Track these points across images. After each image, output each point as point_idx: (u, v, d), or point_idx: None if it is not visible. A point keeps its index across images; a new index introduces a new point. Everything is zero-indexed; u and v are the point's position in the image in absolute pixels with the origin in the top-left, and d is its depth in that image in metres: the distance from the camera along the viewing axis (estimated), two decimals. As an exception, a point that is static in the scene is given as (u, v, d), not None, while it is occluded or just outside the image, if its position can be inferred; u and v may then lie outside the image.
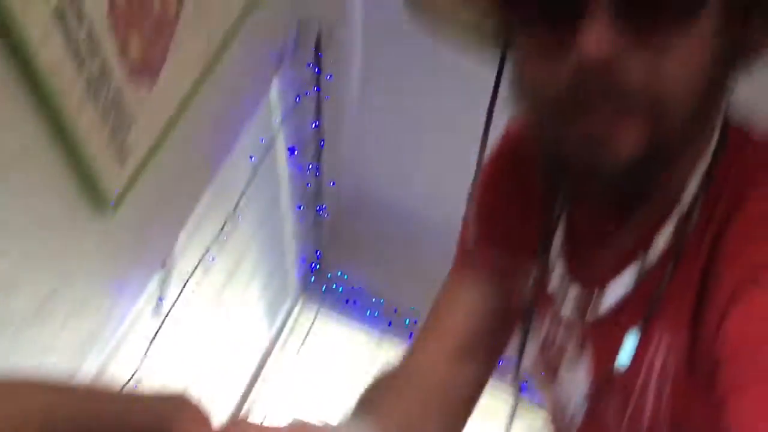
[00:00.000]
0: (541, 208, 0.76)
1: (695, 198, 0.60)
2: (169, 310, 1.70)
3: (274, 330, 3.11)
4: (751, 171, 0.60)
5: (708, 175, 0.60)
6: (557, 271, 0.71)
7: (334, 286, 3.12)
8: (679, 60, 0.51)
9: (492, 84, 0.67)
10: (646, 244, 0.60)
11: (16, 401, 0.45)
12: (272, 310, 3.00)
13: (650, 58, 0.51)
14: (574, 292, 0.68)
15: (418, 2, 0.66)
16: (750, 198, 0.57)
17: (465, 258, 0.86)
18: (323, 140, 2.33)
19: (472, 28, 0.70)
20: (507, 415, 0.86)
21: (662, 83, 0.51)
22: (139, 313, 1.60)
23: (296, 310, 3.19)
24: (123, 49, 1.07)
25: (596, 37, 0.49)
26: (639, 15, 0.50)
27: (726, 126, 0.62)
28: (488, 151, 0.78)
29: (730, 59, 0.56)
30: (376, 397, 0.75)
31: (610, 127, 0.53)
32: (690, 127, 0.55)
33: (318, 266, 3.04)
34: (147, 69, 1.16)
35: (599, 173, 0.55)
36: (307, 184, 2.52)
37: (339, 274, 3.13)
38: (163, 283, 1.63)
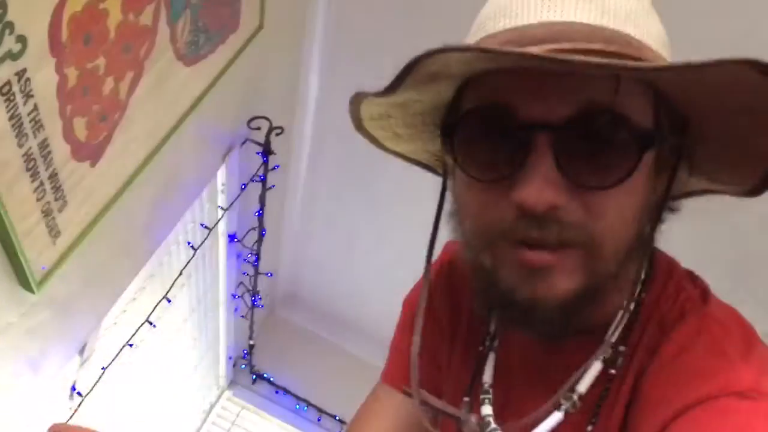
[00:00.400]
0: (472, 334, 0.77)
1: (620, 338, 0.62)
2: (83, 399, 1.62)
3: (198, 419, 2.99)
4: (674, 307, 0.62)
5: (634, 310, 0.62)
6: (485, 409, 0.71)
7: (264, 376, 3.05)
8: (615, 206, 0.54)
9: (436, 195, 0.69)
10: (571, 387, 0.61)
11: None
12: (198, 398, 2.89)
13: (588, 204, 0.53)
14: None
15: (364, 132, 0.68)
16: (669, 338, 0.60)
17: (392, 372, 0.86)
18: (265, 230, 2.32)
19: (415, 155, 0.73)
20: None
21: (599, 227, 0.54)
22: (54, 398, 1.52)
23: (223, 399, 3.08)
24: (67, 129, 1.07)
25: (538, 187, 0.52)
26: (579, 167, 0.53)
27: (652, 259, 0.65)
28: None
29: (660, 203, 0.60)
30: None
31: (549, 265, 0.55)
32: (623, 266, 0.58)
33: (249, 356, 2.97)
34: (90, 149, 1.15)
35: (535, 307, 0.56)
36: (244, 273, 2.49)
37: (269, 365, 3.06)
38: (80, 369, 1.56)
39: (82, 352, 1.54)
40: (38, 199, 1.07)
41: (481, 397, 0.71)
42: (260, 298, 2.61)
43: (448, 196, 0.67)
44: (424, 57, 0.49)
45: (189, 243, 1.96)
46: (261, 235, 2.33)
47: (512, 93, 0.53)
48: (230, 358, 2.91)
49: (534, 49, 0.51)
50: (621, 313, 0.61)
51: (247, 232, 2.29)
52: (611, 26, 0.52)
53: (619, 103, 0.52)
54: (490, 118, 0.55)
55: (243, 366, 3.02)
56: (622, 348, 0.62)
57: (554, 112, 0.52)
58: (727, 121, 0.55)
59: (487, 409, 0.69)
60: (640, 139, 0.53)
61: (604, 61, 0.47)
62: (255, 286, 2.55)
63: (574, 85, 0.51)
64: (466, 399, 0.74)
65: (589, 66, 0.46)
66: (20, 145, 0.98)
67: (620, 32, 0.52)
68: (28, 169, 1.02)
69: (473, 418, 0.69)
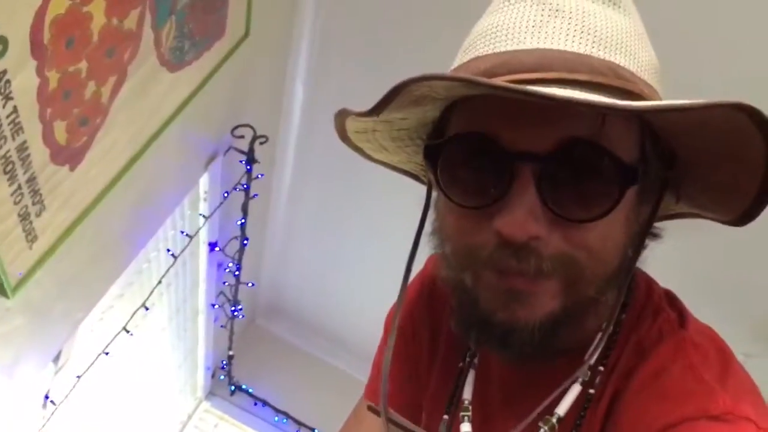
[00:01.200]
0: (452, 350, 0.76)
1: (598, 360, 0.61)
2: (56, 408, 1.59)
3: (175, 430, 2.95)
4: (652, 330, 0.62)
5: (612, 333, 0.62)
6: (464, 427, 0.71)
7: (243, 387, 3.02)
8: (596, 237, 0.54)
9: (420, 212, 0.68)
10: (549, 408, 0.60)
11: None
12: (175, 408, 2.86)
13: (569, 235, 0.53)
14: None
15: (350, 142, 0.67)
16: (646, 360, 0.60)
17: (374, 389, 0.85)
18: (247, 239, 2.30)
19: (402, 165, 0.72)
20: None
21: (579, 257, 0.54)
22: (26, 406, 1.49)
23: (201, 410, 3.05)
24: (47, 132, 1.05)
25: (519, 217, 0.52)
26: (561, 199, 0.52)
27: (631, 280, 0.65)
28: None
29: (643, 230, 0.60)
30: None
31: (528, 288, 0.55)
32: (603, 292, 0.58)
33: (228, 367, 2.94)
34: (70, 153, 1.14)
35: (513, 330, 0.56)
36: (224, 282, 2.47)
37: (248, 377, 3.03)
38: (54, 376, 1.54)
39: (56, 359, 1.51)
40: (15, 203, 1.05)
41: (461, 414, 0.70)
42: (241, 309, 2.59)
43: (432, 211, 0.67)
44: (408, 84, 0.49)
45: (169, 251, 1.94)
46: (243, 245, 2.31)
47: (497, 120, 0.53)
48: (209, 368, 2.88)
49: (519, 77, 0.51)
50: (599, 335, 0.61)
51: (229, 241, 2.27)
52: (600, 55, 0.52)
53: (604, 136, 0.52)
54: (473, 145, 0.55)
55: (222, 377, 2.98)
56: (600, 369, 0.62)
57: (538, 143, 0.52)
58: (714, 156, 0.55)
59: (466, 427, 0.69)
60: (624, 174, 0.53)
61: (585, 98, 0.47)
62: (236, 295, 2.52)
63: (558, 117, 0.51)
64: (445, 417, 0.73)
65: (569, 102, 0.46)
66: (-2, 148, 0.97)
67: (609, 62, 0.52)
68: (5, 172, 1.00)
69: (465, 428, 0.69)
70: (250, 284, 2.52)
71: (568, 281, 0.55)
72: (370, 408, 0.76)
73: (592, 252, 0.54)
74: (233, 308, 2.57)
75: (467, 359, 0.74)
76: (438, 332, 0.79)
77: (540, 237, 0.52)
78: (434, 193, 0.66)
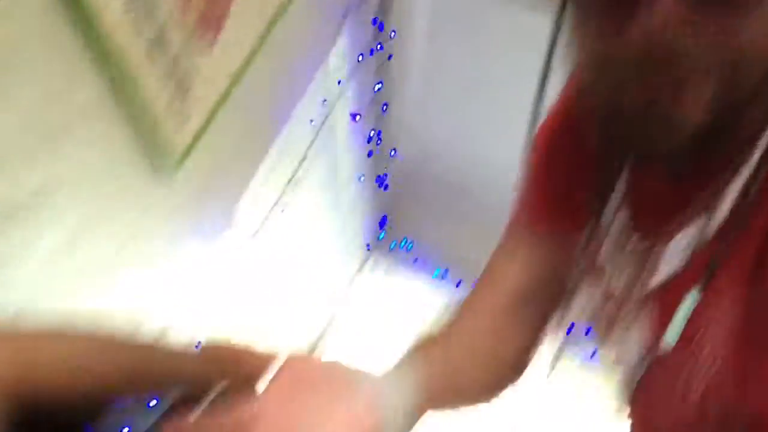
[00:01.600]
0: (599, 168, 0.74)
1: (755, 174, 0.56)
2: (229, 271, 1.72)
3: (340, 288, 3.13)
4: None
5: None
6: (617, 225, 0.69)
7: (402, 246, 3.13)
8: (751, 27, 0.48)
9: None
10: (712, 202, 0.57)
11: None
12: (338, 270, 3.02)
13: (720, 27, 0.47)
14: (634, 244, 0.66)
15: None
16: None
17: (522, 214, 0.84)
18: (386, 104, 2.29)
19: None
20: (550, 360, 0.85)
21: (733, 51, 0.48)
22: (199, 272, 1.61)
23: (363, 270, 3.21)
24: (184, 7, 1.07)
25: (665, 14, 0.46)
26: None
27: None
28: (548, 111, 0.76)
29: None
30: (427, 344, 0.75)
31: (678, 92, 0.50)
32: (761, 93, 0.52)
33: (384, 229, 3.04)
34: (208, 25, 1.16)
35: (665, 136, 0.52)
36: (369, 153, 2.49)
37: (405, 239, 3.13)
38: (220, 249, 1.63)
39: (221, 233, 1.60)
40: (166, 81, 1.10)
41: (609, 221, 0.69)
42: (387, 176, 2.62)
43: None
44: None
45: (311, 121, 1.97)
46: (382, 111, 2.30)
47: None
48: (366, 231, 2.99)
49: None
50: (758, 145, 0.55)
51: (369, 109, 2.27)
52: None
53: None
54: None
55: (380, 235, 3.09)
56: (756, 183, 0.56)
57: None
58: None
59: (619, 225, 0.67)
60: None
61: None
62: (381, 163, 2.55)
63: None
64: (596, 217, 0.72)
65: None
66: (140, 30, 1.00)
67: None
68: (151, 52, 1.04)
69: (619, 222, 0.68)
70: (392, 153, 2.53)
71: (721, 82, 0.50)
72: (514, 224, 0.76)
73: (750, 44, 0.48)
74: (379, 176, 2.61)
75: (613, 178, 0.71)
76: (582, 152, 0.76)
77: (689, 29, 0.47)
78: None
